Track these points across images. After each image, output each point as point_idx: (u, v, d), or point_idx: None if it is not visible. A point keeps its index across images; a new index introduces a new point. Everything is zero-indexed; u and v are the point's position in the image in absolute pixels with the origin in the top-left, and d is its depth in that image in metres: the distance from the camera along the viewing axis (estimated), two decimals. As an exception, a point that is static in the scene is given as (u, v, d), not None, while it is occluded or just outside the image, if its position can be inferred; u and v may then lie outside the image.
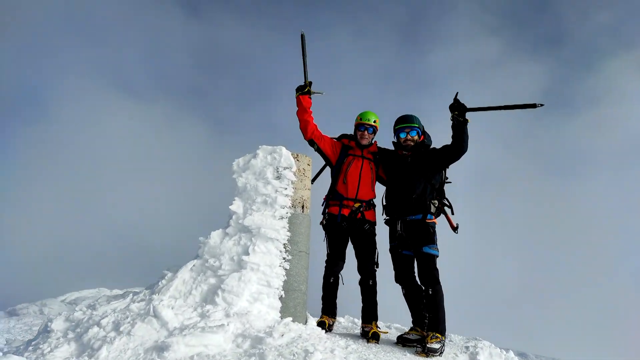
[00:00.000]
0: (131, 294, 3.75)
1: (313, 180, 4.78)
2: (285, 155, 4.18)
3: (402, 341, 4.37)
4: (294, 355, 3.12)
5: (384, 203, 4.72)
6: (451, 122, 4.26)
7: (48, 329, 3.34)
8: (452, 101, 4.24)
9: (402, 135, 4.54)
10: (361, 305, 4.67)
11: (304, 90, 4.51)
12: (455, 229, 4.52)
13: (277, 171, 4.15)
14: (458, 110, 4.21)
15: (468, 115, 4.23)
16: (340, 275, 4.72)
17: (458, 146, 4.30)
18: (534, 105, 4.07)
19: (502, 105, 4.20)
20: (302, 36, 4.58)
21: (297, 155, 4.31)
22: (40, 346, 3.12)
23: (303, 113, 4.53)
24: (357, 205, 4.57)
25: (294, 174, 4.20)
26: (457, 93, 4.22)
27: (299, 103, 4.54)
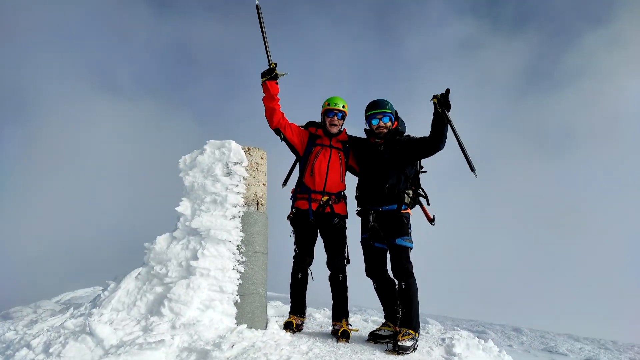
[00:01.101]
0: (72, 308, 3.49)
1: (286, 181, 4.53)
2: (234, 149, 3.87)
3: (374, 338, 4.18)
4: (241, 368, 2.88)
5: (357, 194, 4.47)
6: (433, 115, 3.97)
7: (-23, 353, 3.08)
8: (440, 93, 3.89)
9: (374, 122, 4.26)
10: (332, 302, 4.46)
11: (271, 75, 4.16)
12: (431, 220, 4.27)
13: (227, 167, 3.85)
14: (447, 108, 3.89)
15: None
16: (309, 271, 4.48)
17: (436, 143, 4.02)
18: (472, 170, 3.92)
19: (461, 144, 3.93)
20: (257, 7, 4.16)
21: (249, 149, 4.00)
22: (-36, 374, 2.87)
23: (270, 100, 4.21)
24: (325, 198, 4.31)
25: (246, 169, 3.90)
26: (448, 90, 3.89)
27: (265, 89, 4.20)
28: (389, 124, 4.26)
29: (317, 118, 4.54)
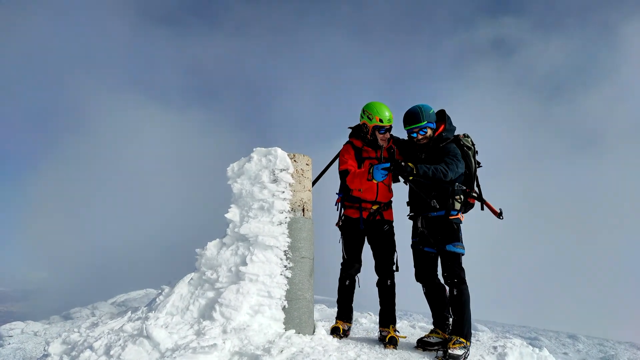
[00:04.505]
0: (129, 312, 3.65)
1: (314, 182, 4.51)
2: (280, 156, 3.92)
3: (422, 345, 4.13)
4: (291, 374, 2.91)
5: (408, 199, 4.43)
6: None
7: (45, 352, 3.28)
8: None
9: (414, 136, 4.19)
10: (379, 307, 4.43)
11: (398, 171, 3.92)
12: (499, 214, 4.15)
13: (273, 174, 3.90)
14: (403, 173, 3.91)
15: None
16: (356, 278, 4.48)
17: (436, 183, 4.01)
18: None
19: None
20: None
21: (294, 156, 4.04)
22: (34, 373, 3.07)
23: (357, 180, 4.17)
24: (375, 207, 4.31)
25: (292, 176, 3.95)
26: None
27: (366, 181, 4.04)
28: (428, 133, 4.17)
29: (345, 121, 4.49)
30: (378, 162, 4.05)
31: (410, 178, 3.89)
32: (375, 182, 3.99)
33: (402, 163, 3.82)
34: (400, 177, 4.33)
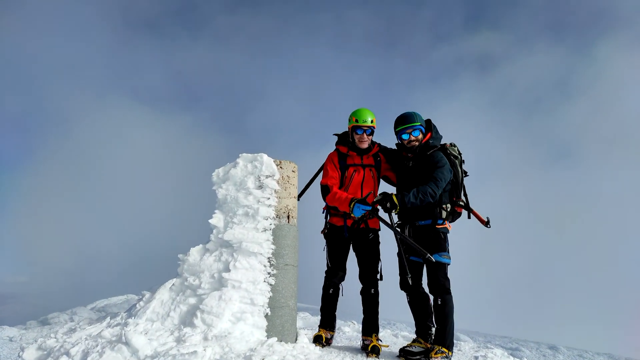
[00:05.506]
0: (108, 317, 3.58)
1: (300, 195, 4.50)
2: (266, 162, 3.91)
3: (405, 354, 4.12)
4: (272, 382, 2.88)
5: None
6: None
7: (20, 358, 3.19)
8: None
9: (405, 137, 4.21)
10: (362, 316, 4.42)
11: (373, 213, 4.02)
12: (486, 223, 4.21)
13: (259, 180, 3.89)
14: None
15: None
16: (340, 286, 4.47)
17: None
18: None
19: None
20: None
21: (280, 162, 4.04)
22: (7, 379, 2.99)
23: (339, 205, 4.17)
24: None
25: (277, 183, 3.94)
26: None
27: (347, 208, 4.05)
28: (419, 136, 4.21)
29: (330, 128, 4.51)
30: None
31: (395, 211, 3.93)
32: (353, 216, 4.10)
33: (388, 204, 3.87)
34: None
